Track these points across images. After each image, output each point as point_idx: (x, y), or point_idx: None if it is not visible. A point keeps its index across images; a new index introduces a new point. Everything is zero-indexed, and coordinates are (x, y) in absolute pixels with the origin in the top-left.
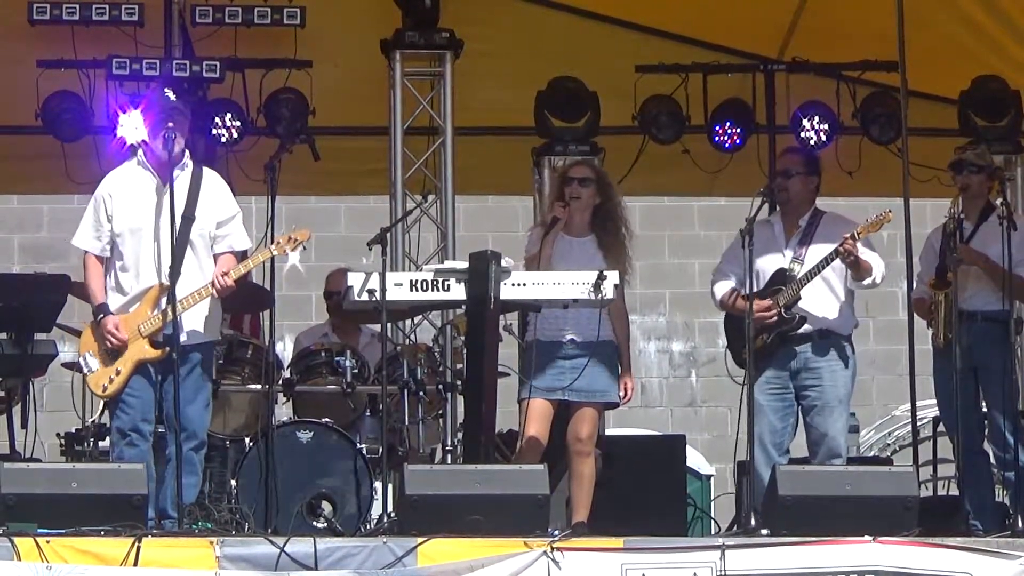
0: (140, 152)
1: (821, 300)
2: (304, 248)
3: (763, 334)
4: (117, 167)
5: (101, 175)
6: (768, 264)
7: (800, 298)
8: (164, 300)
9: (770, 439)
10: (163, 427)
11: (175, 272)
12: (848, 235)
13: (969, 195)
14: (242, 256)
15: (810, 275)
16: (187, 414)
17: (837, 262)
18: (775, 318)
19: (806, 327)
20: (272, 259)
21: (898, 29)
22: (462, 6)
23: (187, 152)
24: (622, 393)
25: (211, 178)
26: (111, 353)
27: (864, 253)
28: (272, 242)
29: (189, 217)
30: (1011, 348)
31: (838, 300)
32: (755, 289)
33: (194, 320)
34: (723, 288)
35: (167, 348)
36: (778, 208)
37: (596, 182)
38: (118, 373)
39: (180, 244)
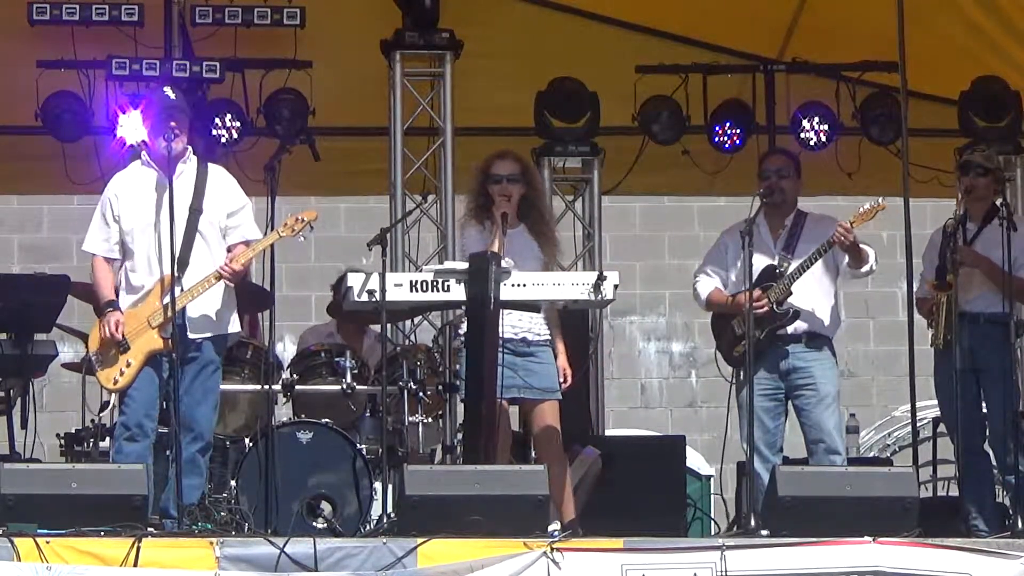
0: (144, 152)
1: (811, 300)
2: (312, 229)
3: (755, 331)
4: (122, 168)
5: (101, 175)
6: (756, 264)
7: (791, 293)
8: (173, 291)
9: (763, 439)
10: (167, 427)
11: (181, 265)
12: (842, 224)
13: (974, 197)
14: None
15: (801, 269)
16: (196, 416)
17: (829, 262)
18: (766, 309)
19: (795, 327)
20: (273, 260)
21: (898, 29)
22: (462, 6)
23: (191, 148)
24: (562, 379)
25: (217, 171)
26: (122, 347)
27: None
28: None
29: (197, 209)
30: (1012, 350)
31: (827, 302)
32: (745, 288)
33: (204, 311)
34: (707, 287)
35: (176, 337)
36: (762, 210)
37: (522, 176)
38: (128, 365)
39: (188, 236)
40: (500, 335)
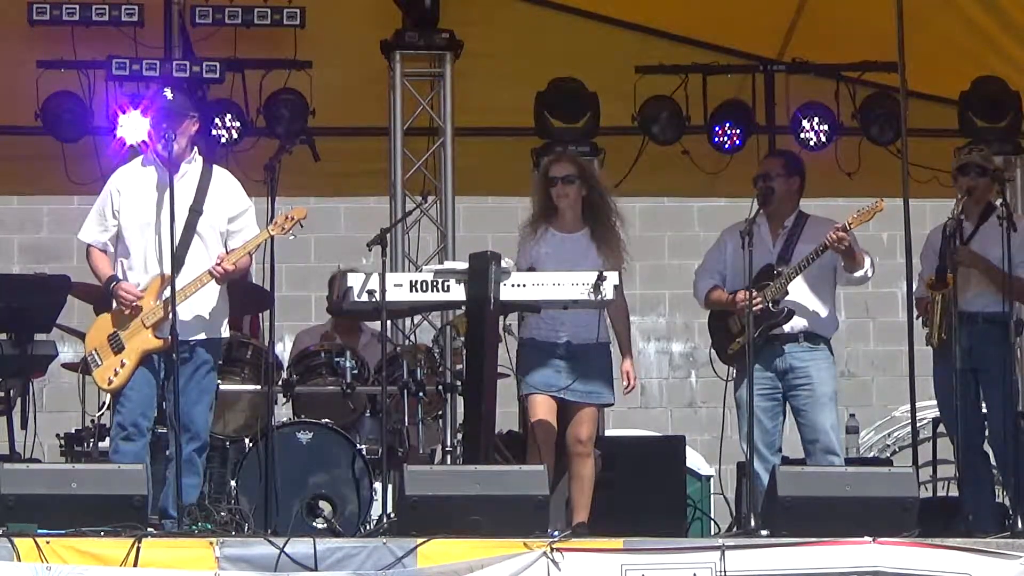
0: (149, 151)
1: (808, 300)
2: (302, 227)
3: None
4: (126, 164)
5: (101, 175)
6: (755, 264)
7: (787, 293)
8: (167, 291)
9: (761, 439)
10: (165, 427)
11: (176, 264)
12: (839, 225)
13: (973, 198)
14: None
15: (798, 269)
16: (192, 415)
17: (826, 262)
18: (761, 309)
19: (792, 326)
20: (272, 260)
21: (898, 29)
22: (462, 6)
23: (196, 149)
24: (625, 382)
25: (222, 174)
26: (116, 347)
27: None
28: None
29: (197, 210)
30: (1011, 349)
31: (824, 302)
32: (743, 287)
33: (199, 313)
34: (706, 285)
35: (174, 337)
36: (762, 210)
37: (579, 177)
38: (123, 365)
39: (186, 236)
40: (562, 339)
